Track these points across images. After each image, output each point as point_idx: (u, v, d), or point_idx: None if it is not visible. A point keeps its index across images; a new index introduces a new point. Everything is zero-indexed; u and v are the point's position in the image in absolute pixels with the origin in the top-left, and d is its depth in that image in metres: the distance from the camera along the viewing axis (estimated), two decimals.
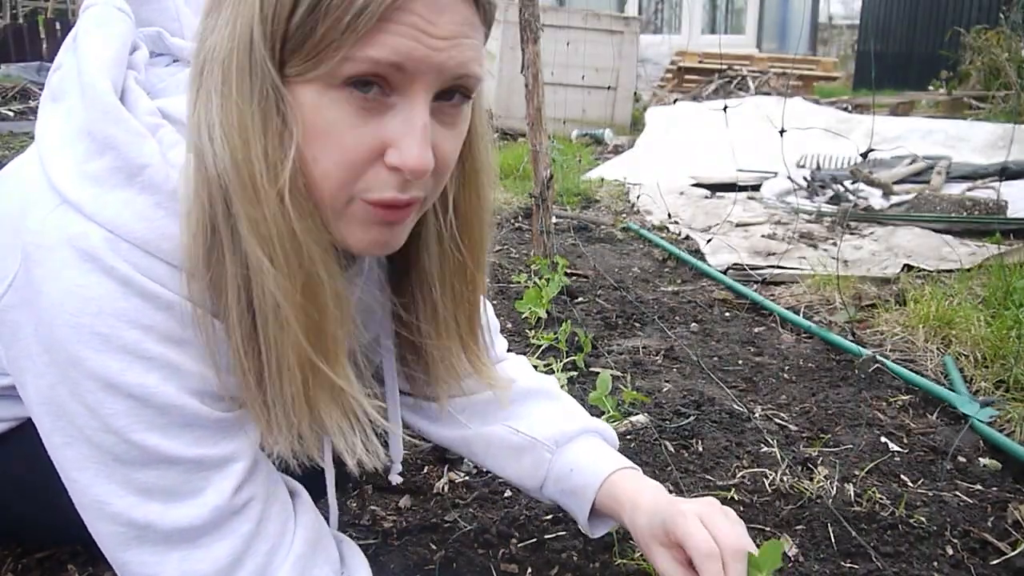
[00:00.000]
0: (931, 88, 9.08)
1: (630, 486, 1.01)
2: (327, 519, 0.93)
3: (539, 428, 1.08)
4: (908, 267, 2.91)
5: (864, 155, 1.01)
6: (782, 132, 1.16)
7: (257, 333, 0.72)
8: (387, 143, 0.70)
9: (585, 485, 1.03)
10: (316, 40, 0.65)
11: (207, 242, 0.70)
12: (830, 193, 4.37)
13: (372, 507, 1.33)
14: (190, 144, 0.71)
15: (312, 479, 0.89)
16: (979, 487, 1.44)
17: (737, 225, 3.78)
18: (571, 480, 1.04)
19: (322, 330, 0.73)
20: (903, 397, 1.85)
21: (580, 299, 2.61)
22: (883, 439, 1.62)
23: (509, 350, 1.24)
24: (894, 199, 4.20)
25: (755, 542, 0.91)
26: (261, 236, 0.68)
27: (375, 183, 0.71)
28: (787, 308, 2.51)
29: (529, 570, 1.18)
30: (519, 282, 2.72)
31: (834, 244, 3.37)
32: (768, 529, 1.29)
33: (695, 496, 1.38)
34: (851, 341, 2.15)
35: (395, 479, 1.11)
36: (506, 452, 1.09)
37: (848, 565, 1.20)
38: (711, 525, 0.87)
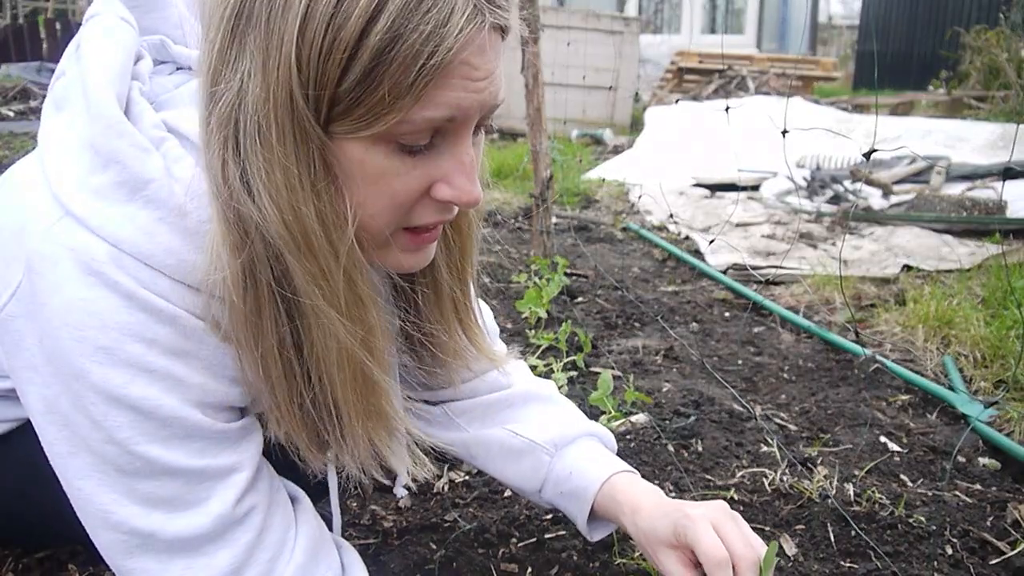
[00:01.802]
0: (931, 88, 9.09)
1: (630, 489, 1.01)
2: (329, 523, 0.93)
3: (538, 431, 1.08)
4: (908, 267, 2.91)
5: (867, 155, 1.00)
6: (784, 132, 1.16)
7: (300, 369, 0.74)
8: (435, 179, 0.72)
9: (584, 488, 1.03)
10: (371, 105, 0.64)
11: (245, 288, 0.70)
12: (830, 193, 4.37)
13: (372, 507, 1.33)
14: (216, 197, 0.69)
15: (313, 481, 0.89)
16: (979, 487, 1.44)
17: (737, 225, 3.78)
18: (570, 483, 1.04)
19: (375, 366, 0.75)
20: (903, 397, 1.85)
21: (580, 299, 2.61)
22: (883, 439, 1.62)
23: (509, 353, 1.24)
24: (894, 199, 4.21)
25: None
26: (323, 288, 0.70)
27: (421, 214, 0.74)
28: (787, 308, 2.52)
29: (529, 570, 1.18)
30: (519, 282, 2.72)
31: (834, 244, 3.37)
32: (768, 529, 1.29)
33: (695, 496, 1.38)
34: (853, 341, 2.15)
35: (400, 491, 1.11)
36: (505, 455, 1.09)
37: (848, 565, 1.20)
38: (722, 532, 0.88)
